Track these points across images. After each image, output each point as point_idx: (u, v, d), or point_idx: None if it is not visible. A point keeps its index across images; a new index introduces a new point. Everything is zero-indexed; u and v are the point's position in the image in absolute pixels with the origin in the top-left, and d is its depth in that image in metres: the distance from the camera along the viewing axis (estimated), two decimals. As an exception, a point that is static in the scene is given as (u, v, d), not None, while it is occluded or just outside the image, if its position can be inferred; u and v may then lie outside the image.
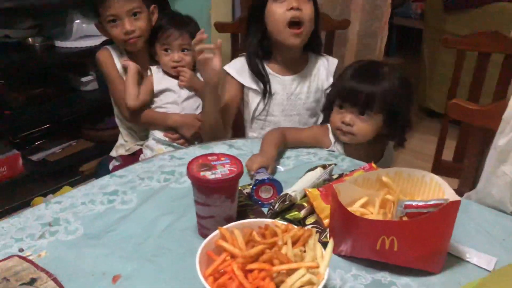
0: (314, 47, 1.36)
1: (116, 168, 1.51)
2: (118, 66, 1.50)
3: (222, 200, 0.80)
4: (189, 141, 1.48)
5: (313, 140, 1.21)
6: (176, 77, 1.48)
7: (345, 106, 1.15)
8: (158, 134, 1.49)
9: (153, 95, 1.48)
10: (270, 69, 1.34)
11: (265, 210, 0.89)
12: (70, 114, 2.36)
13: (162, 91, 1.48)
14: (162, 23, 1.45)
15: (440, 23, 2.90)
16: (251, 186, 0.93)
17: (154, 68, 1.49)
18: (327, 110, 1.24)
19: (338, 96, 1.17)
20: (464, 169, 1.08)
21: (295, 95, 1.35)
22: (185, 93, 1.48)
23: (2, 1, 1.89)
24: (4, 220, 0.87)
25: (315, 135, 1.22)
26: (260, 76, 1.32)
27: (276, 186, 0.92)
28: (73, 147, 2.42)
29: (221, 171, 0.79)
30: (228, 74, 1.36)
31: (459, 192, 1.09)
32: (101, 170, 1.54)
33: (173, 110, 1.48)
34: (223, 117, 1.31)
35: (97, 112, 2.35)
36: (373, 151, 1.23)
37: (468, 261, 0.79)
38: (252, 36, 1.32)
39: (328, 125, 1.23)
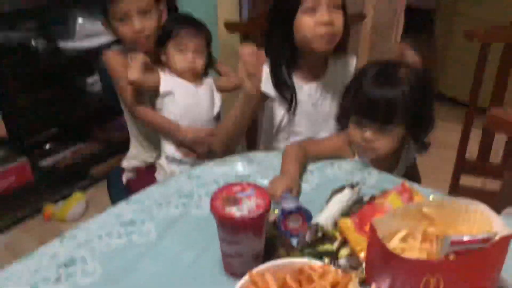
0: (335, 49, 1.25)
1: (131, 182, 1.46)
2: None
3: (249, 237, 0.74)
4: (200, 156, 1.41)
5: (335, 151, 1.14)
6: (187, 80, 1.40)
7: (364, 121, 1.05)
8: (170, 150, 1.41)
9: (157, 95, 1.39)
10: (295, 78, 1.26)
11: (294, 241, 0.84)
12: (78, 115, 2.32)
13: (166, 93, 1.39)
14: (175, 23, 1.37)
15: (452, 4, 2.80)
16: (277, 214, 0.87)
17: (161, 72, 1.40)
18: (343, 119, 1.15)
19: (355, 112, 1.07)
20: (504, 183, 1.01)
21: (320, 101, 1.28)
22: (189, 100, 1.40)
23: (1, 5, 1.83)
24: (17, 261, 0.82)
25: (336, 147, 1.14)
26: (286, 87, 1.23)
27: (305, 214, 0.86)
28: (83, 150, 2.37)
29: (247, 206, 0.73)
30: None
31: (497, 207, 1.03)
32: (114, 183, 1.49)
33: (174, 116, 1.39)
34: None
35: (105, 113, 2.29)
36: (398, 154, 1.16)
37: (517, 294, 0.73)
38: (277, 45, 1.22)
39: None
